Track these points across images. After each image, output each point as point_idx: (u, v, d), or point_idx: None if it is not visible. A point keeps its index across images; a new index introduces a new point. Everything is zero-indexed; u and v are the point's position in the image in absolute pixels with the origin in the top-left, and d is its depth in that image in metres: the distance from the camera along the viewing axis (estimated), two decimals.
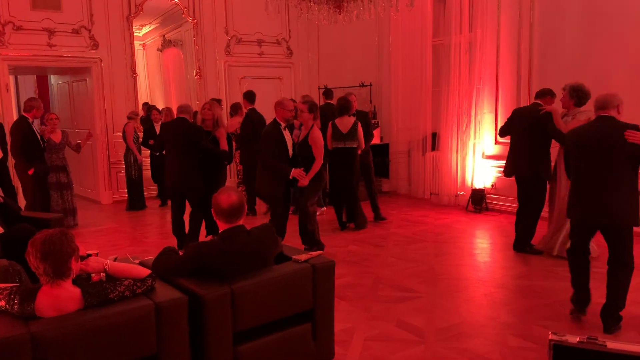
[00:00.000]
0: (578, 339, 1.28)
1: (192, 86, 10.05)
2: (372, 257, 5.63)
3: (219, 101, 8.04)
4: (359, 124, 6.56)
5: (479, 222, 7.15)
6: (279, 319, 2.86)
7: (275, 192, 5.47)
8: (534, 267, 5.13)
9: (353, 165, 6.62)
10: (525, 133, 5.46)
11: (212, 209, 2.79)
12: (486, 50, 7.64)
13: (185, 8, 9.61)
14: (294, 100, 6.79)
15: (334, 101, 7.40)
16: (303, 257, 3.05)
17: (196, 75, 9.87)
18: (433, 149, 8.58)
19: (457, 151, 8.07)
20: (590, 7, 6.47)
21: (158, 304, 2.39)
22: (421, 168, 8.81)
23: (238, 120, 8.05)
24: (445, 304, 4.30)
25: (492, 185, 7.72)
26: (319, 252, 3.19)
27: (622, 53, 6.20)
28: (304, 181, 5.39)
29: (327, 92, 8.16)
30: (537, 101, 5.49)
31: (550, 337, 1.30)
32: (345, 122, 6.53)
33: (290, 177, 5.39)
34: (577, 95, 5.24)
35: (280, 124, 5.44)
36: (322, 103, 8.03)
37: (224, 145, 5.86)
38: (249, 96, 7.72)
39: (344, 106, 6.56)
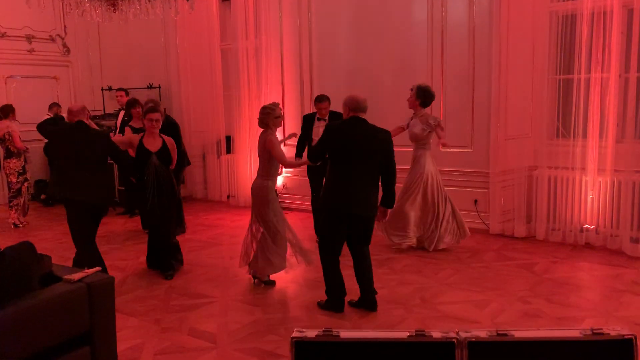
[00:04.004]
0: (316, 333, 1.39)
1: None
2: None
3: None
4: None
5: None
6: (50, 346, 2.58)
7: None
8: None
9: None
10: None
11: None
12: (271, 56, 7.93)
13: None
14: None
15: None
16: (77, 275, 2.80)
17: None
18: (228, 151, 8.65)
19: (250, 153, 8.24)
20: (359, 17, 7.11)
21: None
22: (217, 171, 8.81)
23: (6, 124, 7.07)
24: (238, 305, 4.36)
25: (284, 185, 8.08)
26: (97, 268, 2.96)
27: (387, 58, 6.89)
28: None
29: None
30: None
31: (293, 334, 1.39)
32: None
33: None
34: (424, 95, 5.25)
35: None
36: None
37: None
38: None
39: None
